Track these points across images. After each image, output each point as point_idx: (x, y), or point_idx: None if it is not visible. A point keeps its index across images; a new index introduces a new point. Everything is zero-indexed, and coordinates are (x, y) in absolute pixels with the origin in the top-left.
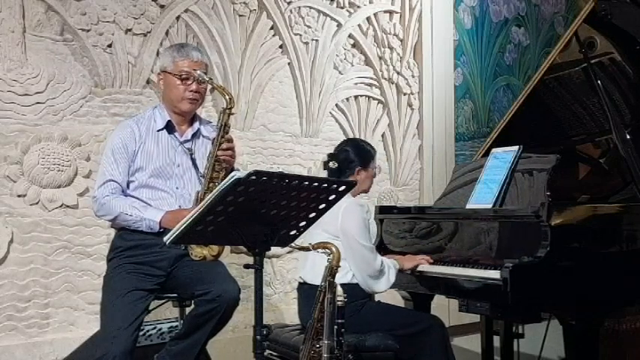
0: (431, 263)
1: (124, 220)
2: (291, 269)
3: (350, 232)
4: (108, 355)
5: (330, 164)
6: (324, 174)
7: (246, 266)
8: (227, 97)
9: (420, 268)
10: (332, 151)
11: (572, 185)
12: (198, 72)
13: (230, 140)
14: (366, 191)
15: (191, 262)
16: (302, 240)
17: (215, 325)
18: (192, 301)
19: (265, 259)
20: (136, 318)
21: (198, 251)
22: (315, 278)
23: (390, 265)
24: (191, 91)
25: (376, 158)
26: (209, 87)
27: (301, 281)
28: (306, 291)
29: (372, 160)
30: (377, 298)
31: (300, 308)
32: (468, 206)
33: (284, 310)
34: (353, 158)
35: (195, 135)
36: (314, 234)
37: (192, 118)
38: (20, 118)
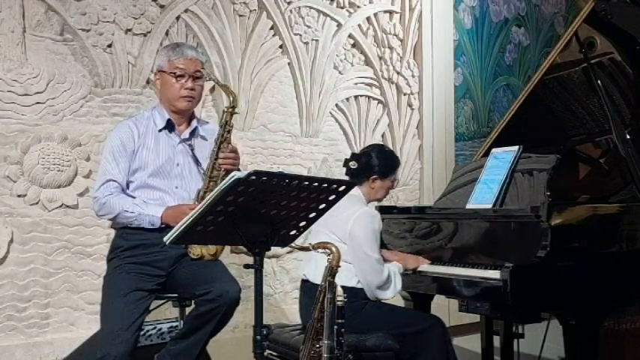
0: (431, 263)
1: (125, 217)
2: (291, 269)
3: (358, 241)
4: (108, 355)
5: (351, 164)
6: (324, 174)
7: (246, 266)
8: (230, 96)
9: (420, 268)
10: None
11: (572, 185)
12: (205, 71)
13: (234, 150)
14: (379, 200)
15: (191, 262)
16: (306, 240)
17: (216, 325)
18: (193, 301)
19: (265, 259)
20: (136, 319)
21: (195, 249)
22: (318, 277)
23: (395, 271)
24: (186, 88)
25: (398, 171)
26: (208, 86)
27: (304, 278)
28: (308, 289)
29: (392, 172)
30: None
31: (301, 305)
32: (468, 206)
33: (284, 310)
34: (374, 164)
35: (193, 134)
36: (322, 234)
37: (190, 118)
38: (20, 118)
